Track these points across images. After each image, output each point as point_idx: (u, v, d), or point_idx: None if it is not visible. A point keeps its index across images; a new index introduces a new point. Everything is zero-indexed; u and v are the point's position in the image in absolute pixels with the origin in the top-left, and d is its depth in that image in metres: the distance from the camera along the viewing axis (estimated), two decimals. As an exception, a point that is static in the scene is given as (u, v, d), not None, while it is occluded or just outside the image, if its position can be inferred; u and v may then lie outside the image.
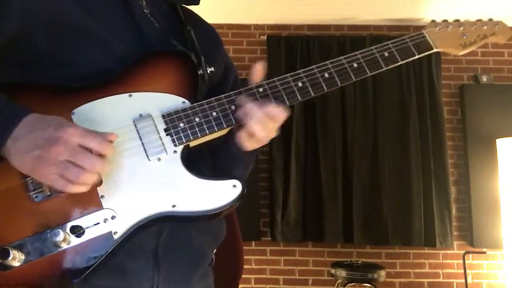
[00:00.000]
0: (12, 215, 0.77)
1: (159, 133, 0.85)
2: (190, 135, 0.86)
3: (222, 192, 0.84)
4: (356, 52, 0.98)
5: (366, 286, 3.38)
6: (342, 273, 3.29)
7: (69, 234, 0.77)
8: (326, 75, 0.94)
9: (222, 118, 0.89)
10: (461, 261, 3.51)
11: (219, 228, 1.04)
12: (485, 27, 1.08)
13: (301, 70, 0.94)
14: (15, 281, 0.75)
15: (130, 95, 0.86)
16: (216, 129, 0.88)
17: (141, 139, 0.84)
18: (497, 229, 3.50)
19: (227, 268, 1.08)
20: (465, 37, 1.06)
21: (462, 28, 1.07)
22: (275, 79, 0.93)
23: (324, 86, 0.94)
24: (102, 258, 0.78)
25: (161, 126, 0.86)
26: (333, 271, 3.37)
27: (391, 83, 3.81)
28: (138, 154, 0.83)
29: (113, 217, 0.80)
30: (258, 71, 0.93)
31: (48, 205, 0.78)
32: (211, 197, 0.84)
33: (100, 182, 0.79)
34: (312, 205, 3.71)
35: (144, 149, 0.84)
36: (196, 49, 0.98)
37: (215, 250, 1.05)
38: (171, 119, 0.86)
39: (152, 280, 0.88)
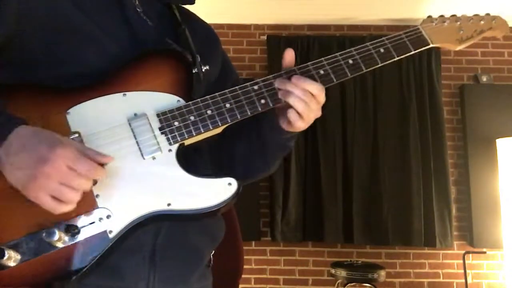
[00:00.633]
0: (7, 215, 0.77)
1: (154, 132, 0.85)
2: (185, 134, 0.86)
3: (217, 190, 0.84)
4: (352, 49, 0.98)
5: (366, 286, 3.38)
6: (342, 273, 3.29)
7: (64, 234, 0.77)
8: (321, 72, 0.94)
9: (217, 117, 0.89)
10: (461, 261, 3.51)
11: (217, 229, 1.04)
12: (482, 22, 1.07)
13: (296, 67, 0.94)
14: (10, 281, 0.75)
15: (124, 94, 0.86)
16: (211, 127, 0.88)
17: (135, 138, 0.84)
18: (497, 229, 3.50)
19: (227, 268, 1.08)
20: (461, 32, 1.05)
21: (458, 23, 1.06)
22: (270, 76, 0.93)
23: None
24: (97, 257, 0.78)
25: (156, 125, 0.86)
26: (333, 271, 3.37)
27: (391, 83, 3.81)
28: (133, 153, 0.83)
29: (108, 216, 0.80)
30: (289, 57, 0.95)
31: None
32: (206, 195, 0.84)
33: (95, 182, 0.79)
34: (312, 205, 3.70)
35: (139, 148, 0.84)
36: (190, 48, 0.98)
37: (213, 252, 1.04)
38: (165, 118, 0.86)
39: (148, 280, 0.88)
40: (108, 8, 0.93)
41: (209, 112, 0.88)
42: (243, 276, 1.21)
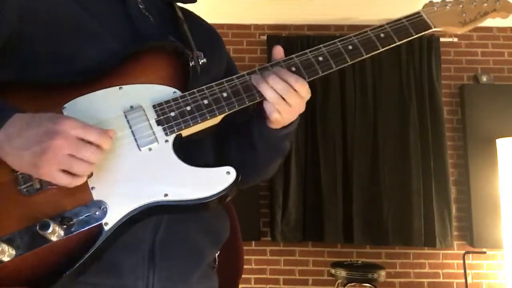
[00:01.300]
0: (1, 209, 0.77)
1: (150, 123, 0.85)
2: (182, 124, 0.86)
3: (215, 179, 0.83)
4: (351, 35, 0.96)
5: (366, 286, 3.38)
6: (342, 273, 3.29)
7: (58, 227, 0.76)
8: (320, 58, 0.93)
9: (214, 105, 0.88)
10: (461, 261, 3.51)
11: (221, 228, 1.02)
12: (485, 4, 1.05)
13: (294, 55, 0.93)
14: (5, 275, 0.74)
15: (120, 88, 0.86)
16: (208, 116, 0.87)
17: (132, 130, 0.84)
18: (497, 229, 3.50)
19: (227, 268, 1.07)
20: (464, 14, 1.04)
21: (461, 6, 1.04)
22: (268, 64, 0.93)
23: (319, 69, 0.93)
24: (93, 251, 0.77)
25: (152, 116, 0.85)
26: (333, 271, 3.37)
27: (391, 83, 3.81)
28: (129, 145, 0.83)
29: (104, 209, 0.79)
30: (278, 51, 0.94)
31: (38, 198, 0.78)
32: (204, 185, 0.83)
33: (91, 174, 0.79)
34: (312, 205, 3.70)
35: (135, 139, 0.83)
36: (189, 43, 0.98)
37: (218, 252, 1.03)
38: (161, 109, 0.86)
39: (147, 278, 0.87)
40: (110, 5, 0.93)
41: (205, 101, 0.88)
42: (243, 276, 1.21)
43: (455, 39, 3.93)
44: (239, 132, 1.01)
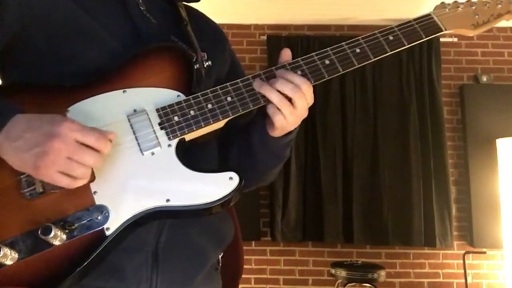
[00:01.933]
0: (4, 213, 0.77)
1: (153, 127, 0.84)
2: (185, 128, 0.85)
3: (218, 185, 0.82)
4: (359, 37, 0.94)
5: (366, 286, 3.38)
6: (342, 273, 3.29)
7: (60, 231, 0.76)
8: (327, 61, 0.91)
9: (217, 110, 0.87)
10: (461, 261, 3.51)
11: (224, 230, 1.01)
12: (499, 6, 1.01)
13: (299, 58, 0.91)
14: (7, 279, 0.74)
15: (124, 91, 0.85)
16: (211, 121, 0.86)
17: (134, 134, 0.83)
18: (497, 229, 3.50)
19: (227, 268, 1.07)
20: (477, 16, 1.00)
21: (474, 7, 1.01)
22: (273, 68, 0.91)
23: (325, 73, 0.91)
24: (95, 255, 0.77)
25: (156, 120, 0.85)
26: (333, 271, 3.37)
27: (391, 83, 3.81)
28: (132, 149, 0.82)
29: (105, 213, 0.79)
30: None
31: (40, 202, 0.78)
32: (207, 190, 0.82)
33: (93, 178, 0.78)
34: (312, 205, 3.70)
35: (138, 143, 0.83)
36: (193, 44, 0.97)
37: (221, 254, 1.02)
38: (165, 113, 0.85)
39: (151, 281, 0.86)
40: (111, 6, 0.93)
41: (209, 106, 0.86)
42: (243, 276, 1.21)
43: (455, 39, 3.93)
44: (241, 138, 1.00)
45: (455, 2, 1.02)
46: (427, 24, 0.97)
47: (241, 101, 0.88)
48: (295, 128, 0.95)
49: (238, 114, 0.88)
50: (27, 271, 0.75)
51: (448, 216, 3.65)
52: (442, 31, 0.97)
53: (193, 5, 1.09)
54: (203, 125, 0.86)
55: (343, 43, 0.93)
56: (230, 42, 1.16)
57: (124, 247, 0.81)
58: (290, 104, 0.87)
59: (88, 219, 0.78)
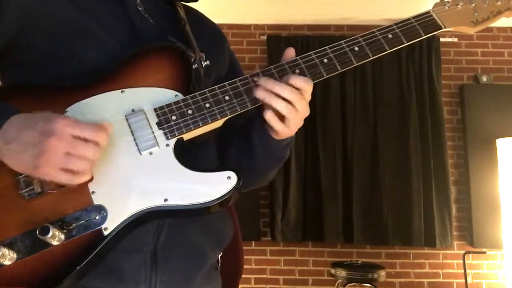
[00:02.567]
0: (3, 213, 0.77)
1: (151, 127, 0.84)
2: (183, 128, 0.85)
3: (216, 184, 0.82)
4: (358, 36, 0.93)
5: (366, 286, 3.38)
6: (342, 273, 3.29)
7: (58, 231, 0.76)
8: (325, 60, 0.91)
9: (215, 109, 0.86)
10: (461, 261, 3.51)
11: (224, 229, 1.01)
12: (499, 3, 1.01)
13: (298, 57, 0.91)
14: (6, 279, 0.74)
15: (122, 91, 0.85)
16: (209, 120, 0.86)
17: (133, 134, 0.83)
18: (497, 229, 3.50)
19: (227, 268, 1.07)
20: (476, 14, 1.00)
21: (473, 5, 1.00)
22: (271, 67, 0.90)
23: (323, 72, 0.90)
24: (93, 255, 0.77)
25: (154, 120, 0.84)
26: (333, 271, 3.37)
27: (391, 83, 3.81)
28: (130, 149, 0.82)
29: (103, 213, 0.79)
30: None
31: (39, 203, 0.78)
32: (205, 190, 0.82)
33: (91, 178, 0.78)
34: (312, 205, 3.70)
35: (136, 143, 0.83)
36: (191, 44, 0.97)
37: (221, 253, 1.02)
38: (163, 113, 0.85)
39: (150, 281, 0.86)
40: (109, 7, 0.93)
41: (207, 105, 0.86)
42: (243, 276, 1.21)
43: (455, 39, 3.93)
44: (240, 137, 1.00)
45: None
46: (426, 22, 0.96)
47: (239, 100, 0.88)
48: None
49: (237, 113, 0.88)
50: (26, 271, 0.75)
51: (448, 216, 3.65)
52: (441, 28, 0.97)
53: (192, 5, 1.09)
54: (201, 125, 0.86)
55: (342, 41, 0.93)
56: (230, 42, 1.16)
57: (122, 247, 0.81)
58: (296, 109, 0.87)
59: (86, 219, 0.78)
